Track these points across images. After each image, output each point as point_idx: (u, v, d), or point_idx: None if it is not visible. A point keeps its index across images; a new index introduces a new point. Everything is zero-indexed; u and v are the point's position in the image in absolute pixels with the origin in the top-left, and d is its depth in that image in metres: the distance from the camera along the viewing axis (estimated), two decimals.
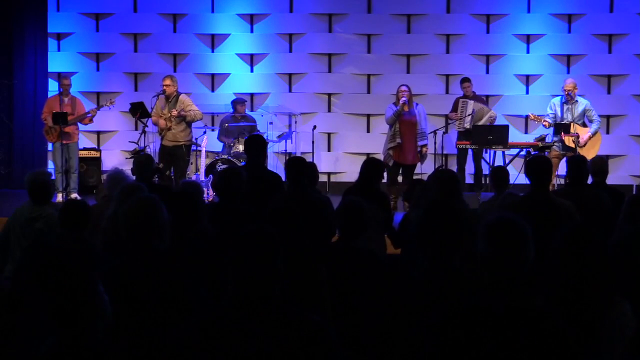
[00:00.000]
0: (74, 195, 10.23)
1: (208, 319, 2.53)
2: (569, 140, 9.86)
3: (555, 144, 9.96)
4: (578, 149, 9.82)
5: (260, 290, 2.51)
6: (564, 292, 3.01)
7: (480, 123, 10.41)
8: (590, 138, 10.02)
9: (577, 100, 10.08)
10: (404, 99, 9.81)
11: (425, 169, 11.02)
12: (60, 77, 11.23)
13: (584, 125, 10.16)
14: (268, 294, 2.52)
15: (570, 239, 3.06)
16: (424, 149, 10.03)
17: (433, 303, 2.87)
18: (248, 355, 2.43)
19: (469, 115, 10.48)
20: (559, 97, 10.23)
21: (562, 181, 10.20)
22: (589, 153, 9.81)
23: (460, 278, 3.06)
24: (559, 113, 10.06)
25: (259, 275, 2.51)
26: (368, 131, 12.13)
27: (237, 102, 11.07)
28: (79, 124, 10.64)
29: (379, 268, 4.00)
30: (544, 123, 10.02)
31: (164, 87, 9.99)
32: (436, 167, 10.42)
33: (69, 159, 10.45)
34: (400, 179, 10.13)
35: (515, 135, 11.23)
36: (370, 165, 6.18)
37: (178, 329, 2.55)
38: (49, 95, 11.60)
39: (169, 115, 9.85)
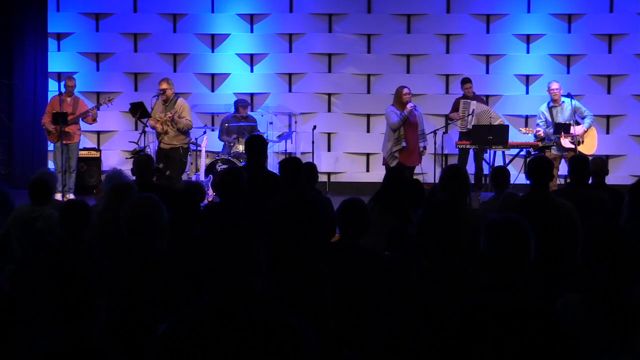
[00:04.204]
0: (70, 195, 10.24)
1: (188, 317, 2.49)
2: (565, 142, 9.86)
3: (553, 144, 9.96)
4: (577, 147, 9.83)
5: (238, 288, 2.45)
6: (597, 290, 3.00)
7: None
8: (585, 132, 10.04)
9: (562, 102, 10.10)
10: (411, 103, 9.73)
11: (425, 169, 11.03)
12: (64, 77, 11.24)
13: (577, 123, 10.16)
14: (246, 292, 2.45)
15: (597, 236, 3.06)
16: (424, 151, 10.05)
17: (435, 303, 2.87)
18: (223, 354, 2.40)
19: (469, 115, 10.47)
20: (544, 104, 10.25)
21: (562, 182, 10.20)
22: (585, 148, 9.82)
23: (461, 279, 3.06)
24: (549, 118, 10.07)
25: (236, 272, 2.44)
26: (368, 131, 12.13)
27: (240, 103, 11.01)
28: (82, 123, 10.68)
29: (381, 267, 3.99)
30: (537, 134, 10.02)
31: (163, 91, 9.92)
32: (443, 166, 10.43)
33: (69, 159, 10.47)
34: None
35: (515, 135, 11.22)
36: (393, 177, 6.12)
37: (161, 327, 2.51)
38: (48, 95, 11.63)
39: (166, 118, 9.82)
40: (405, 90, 9.83)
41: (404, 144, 9.79)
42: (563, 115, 10.06)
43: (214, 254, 2.48)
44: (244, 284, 2.46)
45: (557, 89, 10.08)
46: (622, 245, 3.05)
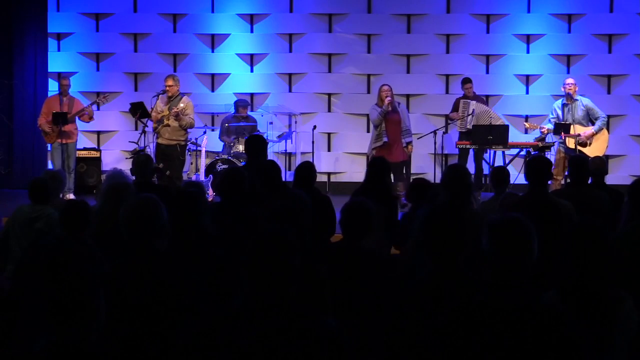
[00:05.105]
0: (70, 195, 10.23)
1: (220, 319, 2.51)
2: (570, 142, 9.83)
3: (560, 142, 9.92)
4: (583, 149, 9.78)
5: (276, 291, 2.51)
6: (573, 289, 3.01)
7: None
8: (593, 135, 9.93)
9: (577, 100, 10.03)
10: (389, 98, 9.84)
11: (425, 169, 11.04)
12: (59, 77, 11.25)
13: (592, 122, 10.03)
14: (283, 295, 2.51)
15: (576, 235, 3.06)
16: (410, 147, 10.07)
17: (438, 303, 2.87)
18: (261, 356, 2.42)
19: (469, 115, 10.47)
20: (559, 100, 10.20)
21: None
22: (592, 151, 9.76)
23: (465, 279, 3.06)
24: (560, 115, 10.02)
25: (275, 275, 2.51)
26: (368, 131, 12.11)
27: (240, 103, 11.00)
28: (79, 123, 10.68)
29: (383, 268, 3.98)
30: (542, 130, 10.01)
31: (167, 88, 9.93)
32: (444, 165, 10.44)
33: (67, 159, 10.46)
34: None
35: (515, 135, 11.22)
36: (375, 165, 6.22)
37: (188, 329, 2.54)
38: (48, 95, 11.61)
39: (168, 113, 9.81)
40: (385, 87, 9.97)
41: (385, 139, 9.84)
42: (574, 114, 9.96)
43: (252, 259, 2.52)
44: (281, 288, 2.51)
45: (571, 84, 9.99)
46: (605, 245, 3.04)
